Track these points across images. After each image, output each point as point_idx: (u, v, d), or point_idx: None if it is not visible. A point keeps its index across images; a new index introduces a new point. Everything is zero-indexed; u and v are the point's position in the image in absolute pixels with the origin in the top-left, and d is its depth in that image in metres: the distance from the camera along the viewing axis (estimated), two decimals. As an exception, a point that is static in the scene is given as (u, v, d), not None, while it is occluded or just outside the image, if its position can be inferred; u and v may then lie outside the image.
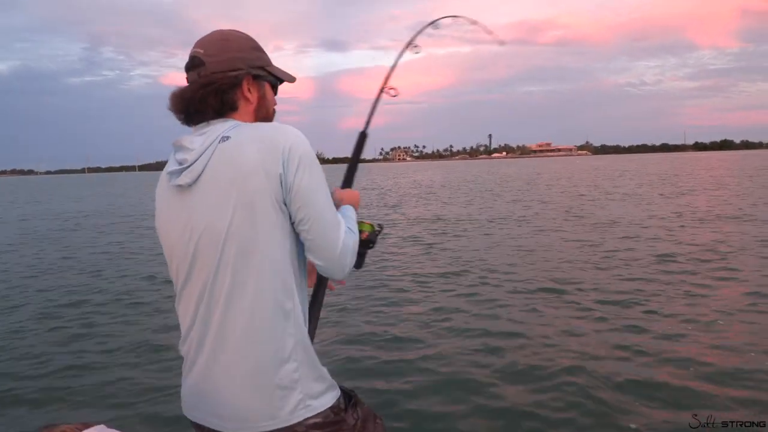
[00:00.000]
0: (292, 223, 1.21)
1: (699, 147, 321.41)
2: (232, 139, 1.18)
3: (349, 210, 1.40)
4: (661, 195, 17.43)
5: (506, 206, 15.78)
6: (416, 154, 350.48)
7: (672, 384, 3.42)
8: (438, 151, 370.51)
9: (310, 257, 1.24)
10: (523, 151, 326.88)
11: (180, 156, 1.23)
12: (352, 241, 1.27)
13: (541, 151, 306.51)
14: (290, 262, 1.22)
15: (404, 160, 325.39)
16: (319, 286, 1.48)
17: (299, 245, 1.25)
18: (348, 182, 1.60)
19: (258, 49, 1.32)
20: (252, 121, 1.30)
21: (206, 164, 1.18)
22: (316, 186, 1.20)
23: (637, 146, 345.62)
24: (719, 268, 6.58)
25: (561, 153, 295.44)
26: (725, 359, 3.78)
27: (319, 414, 1.22)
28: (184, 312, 1.26)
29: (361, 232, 1.39)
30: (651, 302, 5.23)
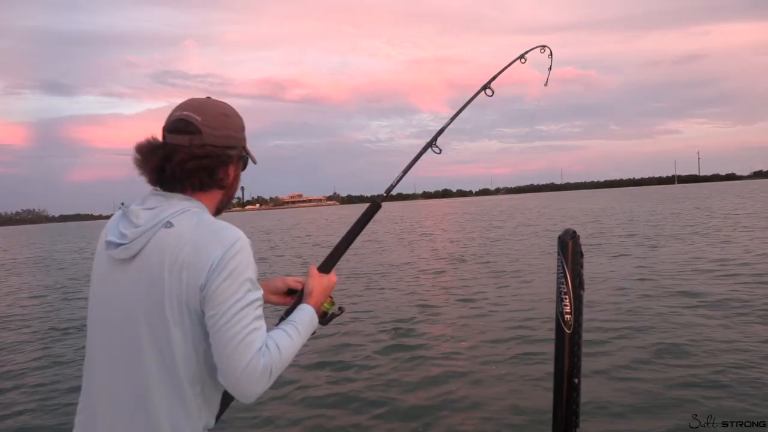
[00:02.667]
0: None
1: (427, 195, 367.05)
2: (174, 229, 1.15)
3: (302, 313, 1.33)
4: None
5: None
6: None
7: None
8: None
9: (218, 374, 1.15)
10: (276, 203, 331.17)
11: (123, 227, 1.18)
12: (263, 364, 1.12)
13: (293, 201, 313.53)
14: (195, 369, 1.16)
15: None
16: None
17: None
18: (333, 261, 1.56)
19: (244, 128, 1.32)
20: (217, 202, 1.29)
21: (143, 247, 1.15)
22: (234, 298, 1.11)
23: (378, 195, 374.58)
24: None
25: (312, 203, 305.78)
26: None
27: None
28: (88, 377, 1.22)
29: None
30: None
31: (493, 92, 2.01)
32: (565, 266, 1.39)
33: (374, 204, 1.68)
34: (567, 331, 1.41)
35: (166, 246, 1.13)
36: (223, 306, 1.10)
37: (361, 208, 1.77)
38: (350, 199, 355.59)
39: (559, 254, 1.40)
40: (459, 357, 5.38)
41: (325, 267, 1.54)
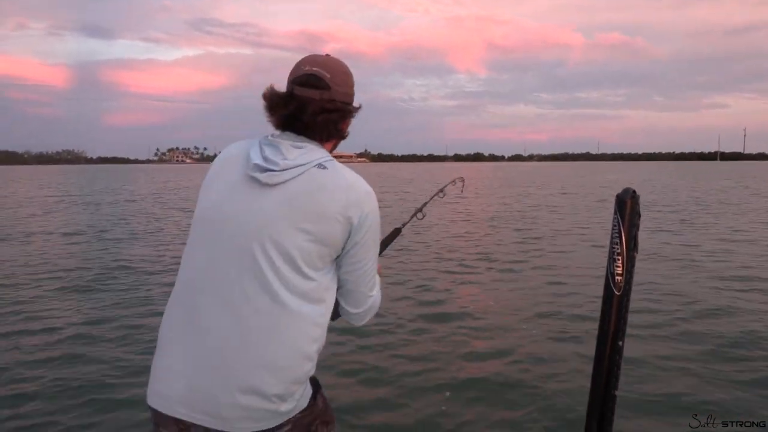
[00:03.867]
0: (337, 259, 1.31)
1: (458, 158, 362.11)
2: (329, 172, 1.27)
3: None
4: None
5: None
6: (196, 156, 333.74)
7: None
8: (219, 153, 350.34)
9: (340, 299, 1.37)
10: None
11: (271, 154, 1.25)
12: (379, 299, 1.44)
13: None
14: (325, 288, 1.29)
15: (183, 161, 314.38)
16: None
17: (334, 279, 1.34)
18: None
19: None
20: (330, 149, 1.39)
21: (293, 178, 1.23)
22: (374, 247, 1.34)
23: (409, 156, 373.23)
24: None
25: (342, 159, 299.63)
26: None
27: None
28: (199, 281, 1.26)
29: None
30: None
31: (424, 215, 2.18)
32: (621, 226, 1.34)
33: (396, 230, 2.03)
34: (616, 292, 1.38)
35: (321, 186, 1.25)
36: (369, 252, 1.33)
37: (392, 167, 1.88)
38: (381, 157, 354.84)
39: (615, 213, 1.35)
40: (492, 314, 5.40)
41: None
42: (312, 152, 1.29)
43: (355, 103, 1.40)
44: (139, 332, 4.85)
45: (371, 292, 1.39)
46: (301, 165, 1.25)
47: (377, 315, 1.51)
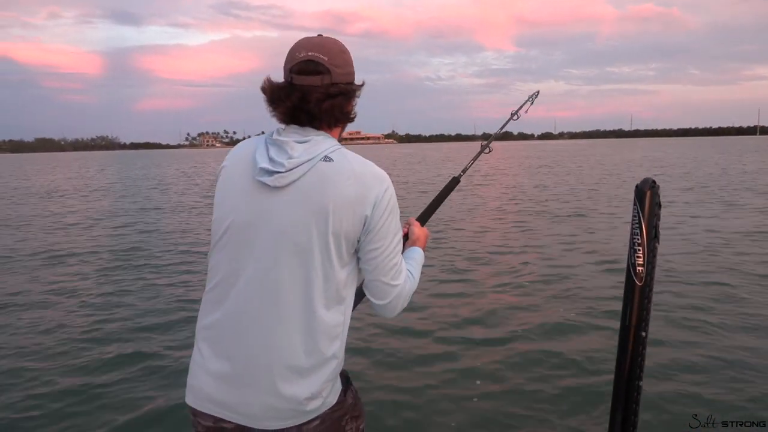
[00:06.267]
0: (356, 253, 1.29)
1: (486, 137, 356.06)
2: (335, 163, 1.24)
3: (417, 253, 1.51)
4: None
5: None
6: (226, 140, 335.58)
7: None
8: (249, 137, 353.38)
9: (366, 292, 1.34)
10: None
11: (275, 155, 1.24)
12: (409, 287, 1.36)
13: (351, 138, 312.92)
14: (347, 284, 1.29)
15: (213, 146, 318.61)
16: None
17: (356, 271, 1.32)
18: (425, 218, 1.80)
19: None
20: (338, 134, 1.36)
21: (301, 177, 1.22)
22: (393, 232, 1.29)
23: (436, 136, 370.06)
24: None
25: (370, 141, 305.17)
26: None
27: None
28: (228, 283, 1.27)
29: None
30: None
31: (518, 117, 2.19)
32: (641, 216, 1.32)
33: (454, 179, 1.98)
34: (638, 283, 1.36)
35: (328, 179, 1.22)
36: (387, 239, 1.28)
37: (421, 147, 1.93)
38: (408, 138, 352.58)
39: (635, 204, 1.33)
40: (514, 294, 5.39)
41: (421, 221, 1.74)
42: (317, 144, 1.26)
43: (358, 81, 1.35)
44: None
45: (394, 281, 1.31)
46: (307, 161, 1.22)
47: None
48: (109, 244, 9.03)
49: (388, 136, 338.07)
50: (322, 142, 1.26)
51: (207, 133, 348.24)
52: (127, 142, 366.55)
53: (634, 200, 1.33)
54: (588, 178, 20.70)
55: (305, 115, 1.27)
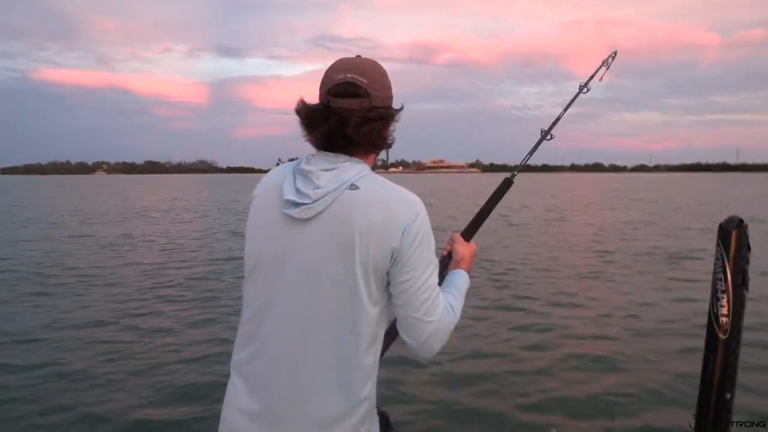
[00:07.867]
0: (388, 287, 1.20)
1: (575, 168, 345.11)
2: (361, 191, 1.18)
3: (459, 278, 1.39)
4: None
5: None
6: None
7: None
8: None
9: (399, 330, 1.23)
10: (418, 167, 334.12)
11: (302, 185, 1.19)
12: (447, 323, 1.23)
13: (435, 167, 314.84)
14: (376, 321, 1.20)
15: None
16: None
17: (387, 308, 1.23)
18: (473, 230, 1.63)
19: None
20: (373, 160, 1.30)
21: (326, 207, 1.17)
22: (425, 263, 1.18)
23: (513, 167, 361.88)
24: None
25: (453, 170, 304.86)
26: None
27: None
28: (262, 314, 1.23)
29: None
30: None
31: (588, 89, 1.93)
32: (725, 259, 1.15)
33: (507, 180, 1.74)
34: (721, 336, 1.18)
35: (355, 208, 1.16)
36: (418, 270, 1.17)
37: (504, 177, 1.73)
38: (492, 168, 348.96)
39: (718, 245, 1.16)
40: (580, 337, 5.03)
41: (467, 235, 1.60)
42: (344, 171, 1.19)
43: (396, 105, 1.28)
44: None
45: (428, 317, 1.19)
46: (332, 190, 1.17)
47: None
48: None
49: (471, 165, 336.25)
50: (349, 169, 1.20)
51: (296, 158, 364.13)
52: (224, 166, 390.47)
53: (717, 241, 1.16)
54: (679, 214, 19.26)
55: (343, 140, 1.20)
